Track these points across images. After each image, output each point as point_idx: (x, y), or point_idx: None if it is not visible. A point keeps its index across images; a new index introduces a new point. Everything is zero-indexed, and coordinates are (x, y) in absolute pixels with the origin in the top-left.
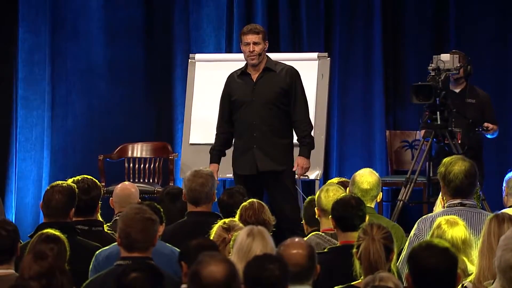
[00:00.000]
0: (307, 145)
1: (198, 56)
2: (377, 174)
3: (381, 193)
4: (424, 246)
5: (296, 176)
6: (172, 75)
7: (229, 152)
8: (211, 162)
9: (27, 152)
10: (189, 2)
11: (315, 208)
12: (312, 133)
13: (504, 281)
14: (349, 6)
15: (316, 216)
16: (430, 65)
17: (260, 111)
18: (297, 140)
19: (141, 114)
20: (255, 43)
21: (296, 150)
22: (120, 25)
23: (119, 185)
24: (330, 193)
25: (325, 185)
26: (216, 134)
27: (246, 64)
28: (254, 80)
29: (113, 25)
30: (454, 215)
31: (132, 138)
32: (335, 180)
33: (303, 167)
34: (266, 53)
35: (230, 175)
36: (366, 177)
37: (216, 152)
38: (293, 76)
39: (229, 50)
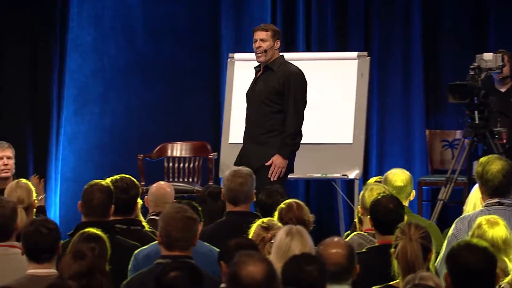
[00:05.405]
0: (285, 145)
1: (237, 55)
2: (408, 173)
3: (413, 191)
4: (463, 245)
5: (270, 175)
6: (212, 74)
7: None
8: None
9: (65, 149)
10: (234, 1)
11: (359, 207)
12: (303, 134)
13: None
14: (388, 6)
15: (360, 215)
16: (473, 64)
17: (255, 108)
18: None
19: (181, 113)
20: (262, 40)
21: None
22: (160, 22)
23: (155, 185)
24: (374, 192)
25: (369, 184)
26: None
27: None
28: (257, 78)
29: (154, 22)
30: (492, 214)
31: (172, 138)
32: (373, 179)
33: (276, 165)
34: (281, 53)
35: None
36: (399, 175)
37: None
38: (288, 77)
39: None
